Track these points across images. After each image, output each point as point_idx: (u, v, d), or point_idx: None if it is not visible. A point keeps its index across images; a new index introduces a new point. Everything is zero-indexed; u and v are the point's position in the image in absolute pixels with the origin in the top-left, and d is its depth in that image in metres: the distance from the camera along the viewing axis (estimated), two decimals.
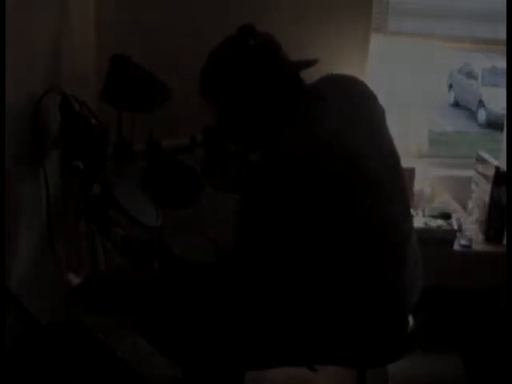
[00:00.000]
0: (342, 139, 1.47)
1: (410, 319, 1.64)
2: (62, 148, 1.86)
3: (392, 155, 1.63)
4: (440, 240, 2.31)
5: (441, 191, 2.71)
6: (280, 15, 2.43)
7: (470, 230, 2.50)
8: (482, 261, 2.38)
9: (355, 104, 1.61)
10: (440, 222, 2.40)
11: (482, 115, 8.26)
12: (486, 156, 2.52)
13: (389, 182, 1.55)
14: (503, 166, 2.41)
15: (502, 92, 2.74)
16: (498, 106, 7.23)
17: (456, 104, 8.92)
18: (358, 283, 1.51)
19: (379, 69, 2.47)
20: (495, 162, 2.44)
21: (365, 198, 1.48)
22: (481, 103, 8.30)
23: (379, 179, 1.52)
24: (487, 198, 2.44)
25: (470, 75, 8.59)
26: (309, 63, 1.64)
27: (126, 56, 1.92)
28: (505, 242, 2.40)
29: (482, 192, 2.50)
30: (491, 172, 2.42)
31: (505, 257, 2.21)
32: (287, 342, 1.58)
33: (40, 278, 1.83)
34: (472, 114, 8.51)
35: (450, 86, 9.02)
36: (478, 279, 2.36)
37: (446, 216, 2.46)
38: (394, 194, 1.57)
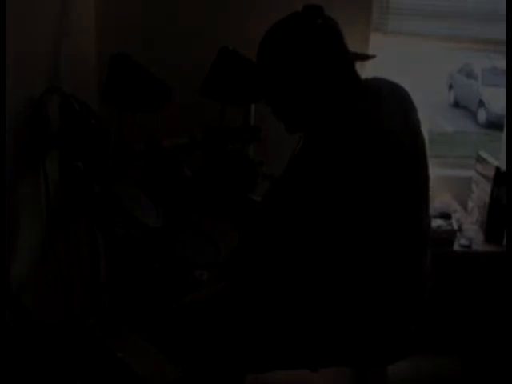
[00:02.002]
0: (399, 136, 1.52)
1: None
2: (62, 148, 1.86)
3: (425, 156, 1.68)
4: (440, 240, 2.31)
5: (441, 191, 2.71)
6: (280, 15, 2.43)
7: (470, 230, 2.50)
8: (482, 261, 2.38)
9: (405, 110, 1.64)
10: (440, 221, 2.40)
11: (482, 115, 8.26)
12: (486, 156, 2.52)
13: (424, 174, 1.63)
14: (503, 166, 2.41)
15: (502, 92, 2.74)
16: (498, 105, 7.22)
17: (456, 104, 8.92)
18: (384, 271, 1.53)
19: (379, 69, 2.47)
20: (495, 162, 2.44)
21: (408, 190, 1.53)
22: (481, 103, 8.29)
23: (417, 168, 1.57)
24: (487, 198, 2.44)
25: (470, 75, 8.59)
26: (366, 56, 1.64)
27: (126, 56, 1.92)
28: (505, 242, 2.40)
29: (482, 192, 2.50)
30: (491, 172, 2.42)
31: (505, 257, 2.21)
32: (289, 344, 1.58)
33: (40, 278, 1.83)
34: (472, 114, 8.50)
35: (450, 86, 9.01)
36: (477, 279, 2.36)
37: (446, 216, 2.46)
38: (426, 188, 1.64)
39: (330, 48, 1.52)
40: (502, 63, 2.88)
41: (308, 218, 1.47)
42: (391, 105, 1.58)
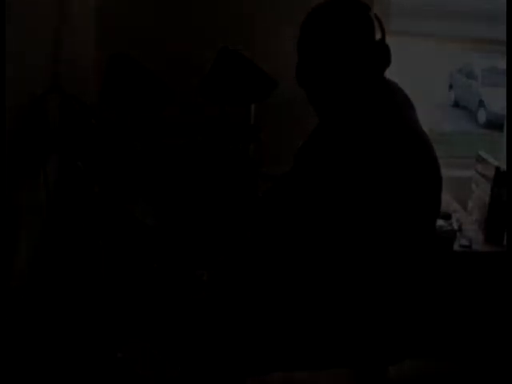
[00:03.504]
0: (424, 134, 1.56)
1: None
2: (62, 148, 1.86)
3: None
4: (440, 240, 2.30)
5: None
6: (279, 14, 2.43)
7: (470, 230, 2.50)
8: (482, 261, 2.38)
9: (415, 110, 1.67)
10: (440, 222, 2.39)
11: (482, 115, 8.25)
12: (485, 156, 2.52)
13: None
14: (503, 166, 2.41)
15: (502, 92, 2.74)
16: (498, 106, 7.22)
17: (456, 104, 8.91)
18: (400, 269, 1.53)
19: None
20: (495, 162, 2.44)
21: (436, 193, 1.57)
22: (481, 103, 8.29)
23: (438, 169, 1.59)
24: (487, 198, 2.44)
25: (470, 75, 8.58)
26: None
27: (126, 55, 1.91)
28: (505, 242, 2.40)
29: (482, 192, 2.50)
30: (491, 172, 2.42)
31: (505, 257, 2.21)
32: (289, 345, 1.58)
33: (40, 277, 1.82)
34: (472, 114, 8.49)
35: (450, 86, 9.01)
36: (477, 279, 2.36)
37: (446, 216, 2.46)
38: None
39: (373, 37, 1.53)
40: (502, 63, 2.87)
41: (331, 209, 1.47)
42: (408, 103, 1.61)
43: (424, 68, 7.33)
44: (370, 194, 1.45)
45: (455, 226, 2.41)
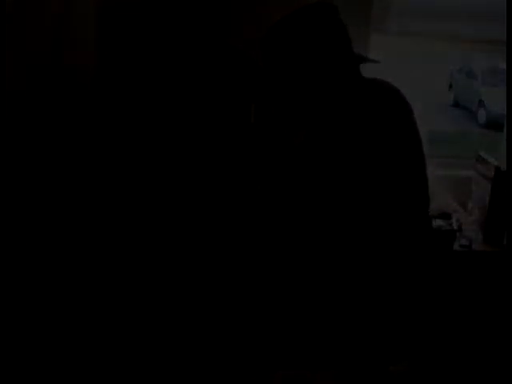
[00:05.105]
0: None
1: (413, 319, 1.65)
2: (65, 147, 1.86)
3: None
4: (440, 240, 2.30)
5: (441, 191, 2.71)
6: (280, 15, 2.43)
7: (469, 230, 2.50)
8: (482, 261, 2.38)
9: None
10: (440, 222, 2.39)
11: (482, 115, 8.26)
12: (485, 156, 2.52)
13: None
14: (503, 166, 2.41)
15: (502, 92, 2.74)
16: (498, 106, 7.22)
17: (456, 104, 8.92)
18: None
19: (379, 69, 2.47)
20: (495, 162, 2.44)
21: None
22: (481, 103, 8.29)
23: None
24: (487, 198, 2.44)
25: (470, 75, 8.60)
26: (371, 60, 1.66)
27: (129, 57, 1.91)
28: (505, 242, 2.40)
29: (482, 192, 2.50)
30: (491, 172, 2.42)
31: (505, 257, 2.21)
32: (289, 345, 1.58)
33: (41, 276, 1.83)
34: (472, 114, 8.50)
35: (450, 86, 9.02)
36: (477, 279, 2.36)
37: (446, 216, 2.46)
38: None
39: (346, 42, 1.55)
40: (502, 63, 2.88)
41: (329, 205, 1.48)
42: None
43: (424, 68, 7.35)
44: (362, 187, 1.46)
45: (455, 226, 2.41)
